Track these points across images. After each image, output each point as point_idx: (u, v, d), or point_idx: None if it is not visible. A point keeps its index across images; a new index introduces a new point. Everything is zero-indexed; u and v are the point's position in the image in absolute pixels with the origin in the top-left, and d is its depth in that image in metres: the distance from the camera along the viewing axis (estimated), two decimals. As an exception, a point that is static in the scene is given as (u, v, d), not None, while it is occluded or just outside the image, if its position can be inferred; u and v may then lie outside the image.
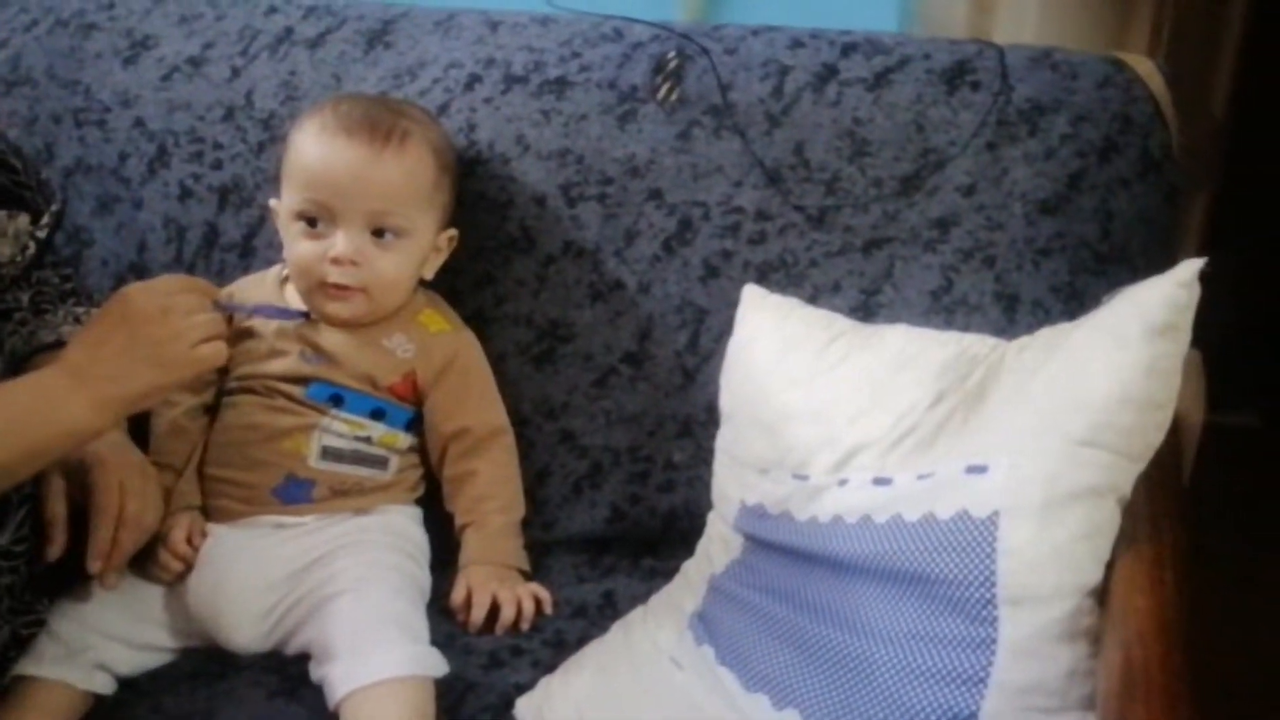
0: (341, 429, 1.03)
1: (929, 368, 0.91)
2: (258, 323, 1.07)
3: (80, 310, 1.08)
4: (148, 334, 0.85)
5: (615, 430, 1.12)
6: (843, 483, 0.89)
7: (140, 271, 1.27)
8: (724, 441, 1.02)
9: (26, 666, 0.94)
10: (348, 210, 1.01)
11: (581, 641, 1.00)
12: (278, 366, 1.04)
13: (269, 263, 1.22)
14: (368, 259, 1.02)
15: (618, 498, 1.12)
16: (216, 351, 0.88)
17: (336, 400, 1.04)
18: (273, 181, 1.19)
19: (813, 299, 1.06)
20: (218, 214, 1.25)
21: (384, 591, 0.96)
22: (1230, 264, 0.95)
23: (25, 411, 0.84)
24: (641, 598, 1.03)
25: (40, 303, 1.08)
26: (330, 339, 1.05)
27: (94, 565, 0.93)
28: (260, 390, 1.04)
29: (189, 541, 1.00)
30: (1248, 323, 1.59)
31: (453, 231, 1.10)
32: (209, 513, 1.03)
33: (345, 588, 0.95)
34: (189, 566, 1.00)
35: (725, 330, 1.07)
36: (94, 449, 0.96)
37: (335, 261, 1.01)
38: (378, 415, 1.05)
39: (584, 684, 0.92)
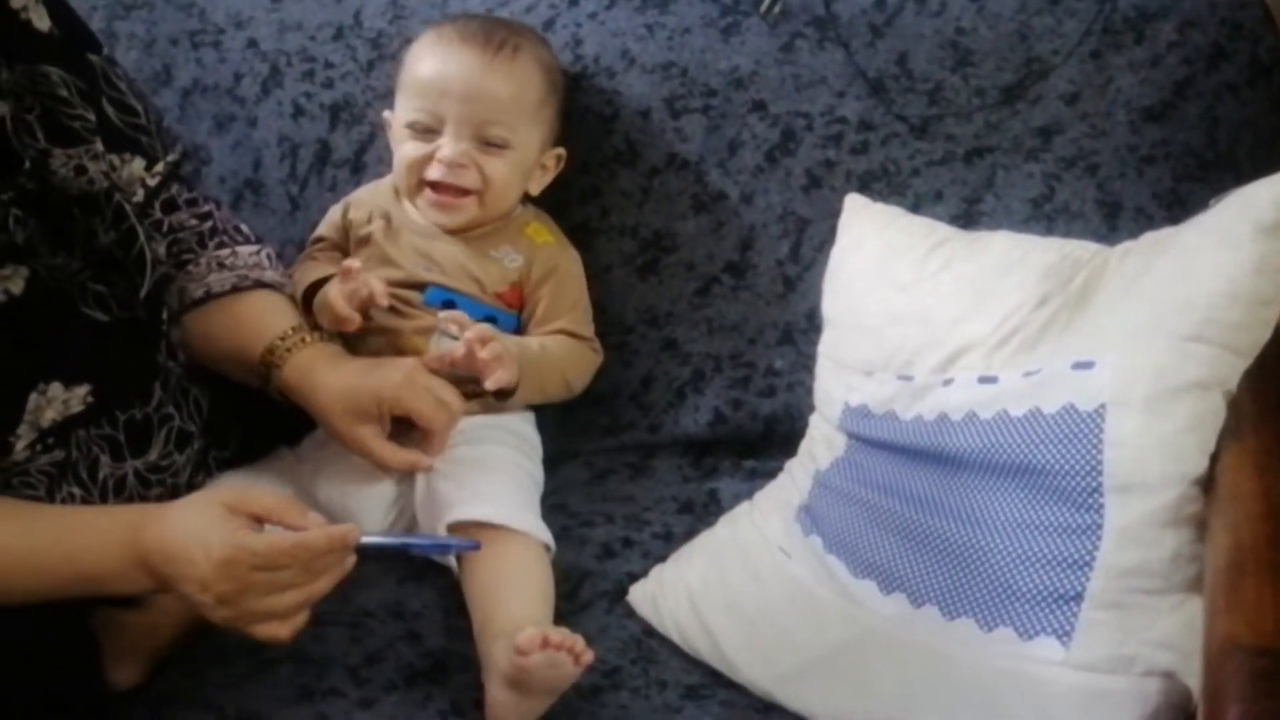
0: (457, 332, 1.08)
1: (1032, 272, 0.93)
2: (376, 230, 1.11)
3: (224, 253, 1.07)
4: (229, 594, 0.81)
5: (717, 338, 1.15)
6: (948, 382, 0.91)
7: (257, 188, 1.33)
8: (826, 346, 1.05)
9: None
10: (455, 116, 1.05)
11: (689, 535, 1.05)
12: (396, 274, 1.09)
13: (380, 178, 1.27)
14: (474, 162, 1.06)
15: (720, 402, 1.15)
16: (274, 635, 0.84)
17: (450, 306, 1.08)
18: (383, 99, 1.23)
19: (914, 208, 1.08)
20: (329, 131, 1.29)
21: (502, 477, 1.01)
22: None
23: (80, 569, 0.84)
24: (744, 496, 1.07)
25: (180, 253, 1.07)
26: (443, 250, 1.10)
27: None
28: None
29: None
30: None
31: (560, 150, 1.13)
32: None
33: (465, 473, 1.01)
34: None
35: (827, 240, 1.10)
36: (394, 393, 0.99)
37: (440, 162, 1.06)
38: (488, 321, 1.08)
39: (695, 572, 0.97)
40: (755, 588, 0.93)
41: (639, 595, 0.99)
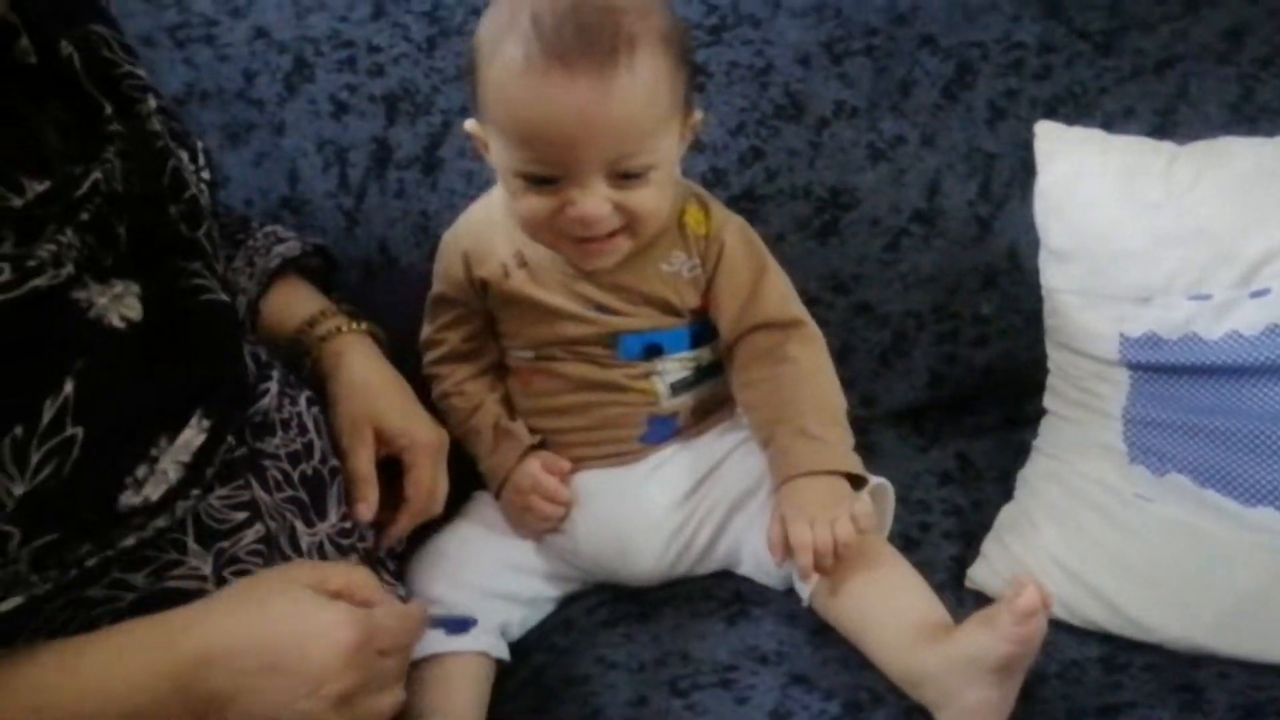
0: (675, 366, 0.91)
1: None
2: (516, 284, 0.89)
3: (269, 228, 0.95)
4: (350, 690, 0.65)
5: (914, 293, 1.07)
6: (1260, 293, 0.89)
7: (297, 207, 1.10)
8: (1068, 280, 0.99)
9: (435, 644, 0.83)
10: (579, 162, 0.79)
11: (977, 505, 0.97)
12: (573, 330, 0.89)
13: (462, 176, 1.09)
14: (615, 204, 0.82)
15: (932, 361, 1.08)
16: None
17: (655, 351, 0.90)
18: (453, 82, 1.06)
19: (1106, 128, 1.04)
20: (386, 128, 1.09)
21: None
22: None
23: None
24: (996, 454, 1.01)
25: (233, 231, 0.93)
26: (607, 284, 0.88)
27: (385, 544, 0.86)
28: (564, 355, 0.90)
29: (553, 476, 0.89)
30: None
31: (698, 115, 0.89)
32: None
33: (759, 479, 0.88)
34: (566, 510, 0.89)
35: (1016, 172, 1.05)
36: (404, 425, 0.86)
37: (576, 220, 0.81)
38: (699, 340, 0.92)
39: (1048, 536, 0.89)
40: (1134, 542, 0.87)
41: (982, 575, 0.90)
